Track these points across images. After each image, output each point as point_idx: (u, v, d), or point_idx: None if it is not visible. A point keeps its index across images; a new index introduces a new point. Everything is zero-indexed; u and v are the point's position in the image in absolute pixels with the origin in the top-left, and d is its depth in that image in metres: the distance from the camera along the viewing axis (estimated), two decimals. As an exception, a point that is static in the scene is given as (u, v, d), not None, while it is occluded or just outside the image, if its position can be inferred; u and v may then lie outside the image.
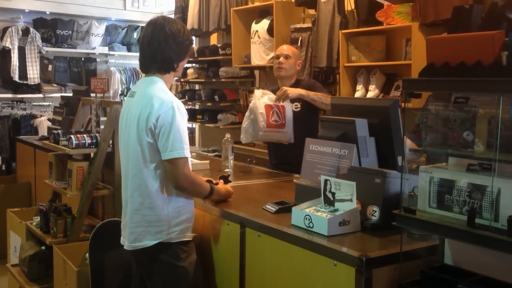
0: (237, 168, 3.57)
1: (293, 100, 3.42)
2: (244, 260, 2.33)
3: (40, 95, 7.21)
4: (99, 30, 7.81)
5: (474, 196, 1.57)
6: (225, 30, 5.89)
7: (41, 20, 7.33)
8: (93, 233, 2.94)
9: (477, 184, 1.57)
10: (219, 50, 5.85)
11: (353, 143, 2.25)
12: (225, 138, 3.38)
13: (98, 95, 3.74)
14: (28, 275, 3.59)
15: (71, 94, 5.45)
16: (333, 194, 2.10)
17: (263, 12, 5.24)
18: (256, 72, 5.78)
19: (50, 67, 7.40)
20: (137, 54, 2.72)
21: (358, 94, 4.26)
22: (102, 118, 3.69)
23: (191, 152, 2.44)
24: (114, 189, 3.42)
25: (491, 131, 1.52)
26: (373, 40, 4.18)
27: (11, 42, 6.85)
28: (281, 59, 3.54)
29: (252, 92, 5.63)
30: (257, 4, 5.38)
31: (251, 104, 3.33)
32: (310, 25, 4.70)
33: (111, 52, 8.02)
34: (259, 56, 5.20)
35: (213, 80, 6.06)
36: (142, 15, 8.05)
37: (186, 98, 6.37)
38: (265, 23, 5.15)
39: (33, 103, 7.06)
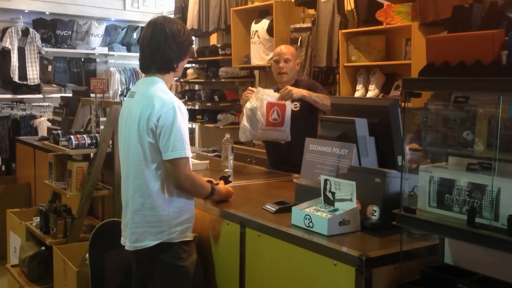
0: (237, 168, 3.57)
1: (293, 100, 3.42)
2: (244, 260, 2.33)
3: (40, 96, 7.21)
4: (98, 30, 7.81)
5: (474, 195, 1.57)
6: (225, 30, 5.89)
7: (41, 21, 7.33)
8: (93, 234, 2.94)
9: (477, 184, 1.57)
10: (219, 50, 5.85)
11: (353, 142, 2.25)
12: (225, 138, 3.37)
13: (98, 95, 3.74)
14: (28, 275, 3.59)
15: (70, 95, 5.45)
16: (333, 193, 2.10)
17: (263, 12, 5.24)
18: (256, 72, 5.78)
19: (49, 68, 7.40)
20: (137, 54, 2.73)
21: (358, 94, 4.26)
22: (102, 119, 3.69)
23: (191, 152, 2.44)
24: (114, 190, 3.42)
25: (491, 131, 1.52)
26: (373, 39, 4.18)
27: (11, 43, 6.85)
28: (282, 63, 3.51)
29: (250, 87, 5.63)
30: (256, 4, 5.38)
31: (249, 104, 3.31)
32: (310, 25, 4.70)
33: (110, 53, 8.02)
34: (259, 56, 5.20)
35: (213, 80, 6.06)
36: (142, 15, 8.05)
37: (186, 98, 6.37)
38: (264, 23, 5.15)
39: (33, 104, 7.06)
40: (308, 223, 2.05)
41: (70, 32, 7.59)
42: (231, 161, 3.38)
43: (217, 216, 2.51)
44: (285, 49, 3.59)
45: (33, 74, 7.03)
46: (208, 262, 2.54)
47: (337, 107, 2.59)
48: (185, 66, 2.69)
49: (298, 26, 4.80)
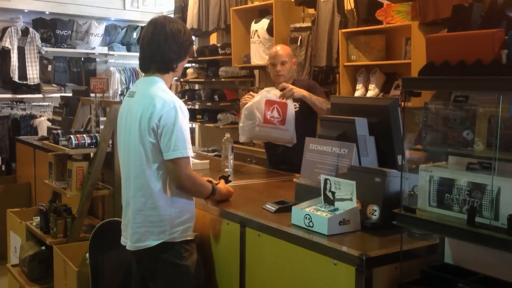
0: (237, 168, 3.57)
1: (293, 100, 3.41)
2: (244, 260, 2.33)
3: (40, 95, 7.21)
4: (98, 30, 7.81)
5: (474, 195, 1.57)
6: (225, 29, 5.89)
7: (41, 20, 7.33)
8: (93, 233, 2.94)
9: (477, 183, 1.57)
10: (219, 49, 5.85)
11: (353, 142, 2.25)
12: (225, 138, 3.37)
13: (98, 95, 3.74)
14: (28, 275, 3.59)
15: (70, 94, 5.45)
16: (333, 193, 2.10)
17: (263, 12, 5.23)
18: (256, 72, 5.77)
19: (49, 67, 7.40)
20: (137, 54, 2.72)
21: (358, 93, 4.26)
22: (102, 118, 3.69)
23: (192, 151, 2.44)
24: (114, 189, 3.42)
25: (491, 130, 1.52)
26: (372, 39, 4.18)
27: (11, 42, 6.85)
28: (278, 67, 3.50)
29: (251, 91, 5.63)
30: (256, 3, 5.38)
31: (248, 104, 3.30)
32: (309, 24, 4.70)
33: (110, 52, 8.02)
34: (259, 55, 5.20)
35: (213, 80, 6.06)
36: (142, 15, 8.05)
37: (186, 98, 6.37)
38: (264, 22, 5.14)
39: (33, 103, 7.06)
40: (308, 223, 2.05)
41: (70, 31, 7.60)
42: (231, 161, 3.38)
43: (217, 216, 2.51)
44: (281, 51, 3.55)
45: (33, 73, 7.03)
46: (208, 261, 2.54)
47: (337, 107, 2.59)
48: (185, 66, 2.69)
49: (298, 26, 4.80)
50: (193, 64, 6.47)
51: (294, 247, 2.04)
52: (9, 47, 6.84)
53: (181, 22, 2.54)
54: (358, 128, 2.26)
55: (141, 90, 2.42)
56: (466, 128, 1.59)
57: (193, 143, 6.78)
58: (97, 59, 8.08)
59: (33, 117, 6.78)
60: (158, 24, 2.40)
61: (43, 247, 3.55)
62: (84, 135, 3.43)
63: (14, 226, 4.01)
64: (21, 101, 7.07)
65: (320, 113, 3.35)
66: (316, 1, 4.52)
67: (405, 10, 3.82)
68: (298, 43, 4.69)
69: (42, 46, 7.14)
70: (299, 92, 3.33)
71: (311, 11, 4.82)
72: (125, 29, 8.11)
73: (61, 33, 7.51)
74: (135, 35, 8.16)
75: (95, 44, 7.88)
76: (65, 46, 7.58)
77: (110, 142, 3.45)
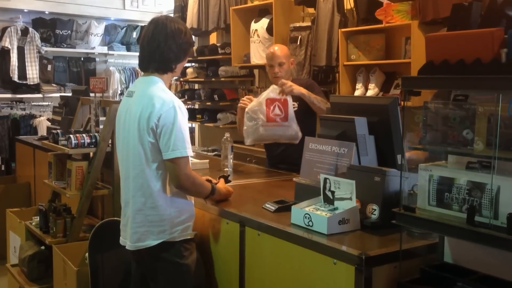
0: (237, 167, 3.57)
1: (292, 99, 3.40)
2: (244, 259, 2.33)
3: (40, 95, 7.22)
4: (98, 29, 7.81)
5: (474, 194, 1.57)
6: (225, 29, 5.89)
7: (40, 20, 7.33)
8: (92, 233, 2.94)
9: (476, 182, 1.56)
10: (219, 49, 5.85)
11: (352, 141, 2.25)
12: (225, 138, 3.37)
13: (97, 94, 3.74)
14: (27, 275, 3.59)
15: (70, 94, 5.45)
16: (333, 192, 2.10)
17: (263, 11, 5.23)
18: (256, 71, 5.77)
19: (49, 67, 7.40)
20: (137, 53, 2.72)
21: (357, 92, 4.26)
22: (101, 118, 3.69)
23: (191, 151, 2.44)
24: (113, 189, 3.42)
25: (491, 129, 1.52)
26: (372, 38, 4.18)
27: (10, 42, 6.85)
28: (276, 68, 3.49)
29: (251, 91, 5.63)
30: (256, 3, 5.38)
31: (248, 106, 3.27)
32: (309, 23, 4.70)
33: (110, 52, 8.02)
34: (259, 55, 5.19)
35: (213, 79, 6.06)
36: (141, 14, 8.05)
37: (186, 98, 6.36)
38: (264, 22, 5.14)
39: (33, 103, 7.06)
40: (308, 222, 2.05)
41: (69, 31, 7.60)
42: (231, 160, 3.37)
43: (216, 215, 2.51)
44: (278, 51, 3.52)
45: (33, 73, 7.03)
46: (208, 261, 2.54)
47: (337, 106, 2.58)
48: (184, 65, 2.69)
49: (297, 25, 4.80)
50: (193, 64, 6.46)
51: (294, 246, 2.04)
52: (9, 47, 6.84)
53: (182, 23, 2.54)
54: (357, 127, 2.25)
55: (140, 89, 2.42)
56: (466, 127, 1.59)
57: (193, 143, 6.78)
58: (97, 59, 8.08)
59: (33, 117, 6.78)
60: (159, 24, 2.40)
61: (43, 247, 3.55)
62: (84, 135, 3.43)
63: (14, 226, 4.01)
64: (21, 101, 7.07)
65: (319, 112, 3.34)
66: (316, 1, 4.52)
67: (405, 10, 3.82)
68: (298, 43, 4.69)
69: (41, 46, 7.14)
70: (298, 89, 3.31)
71: (311, 10, 4.82)
72: (124, 28, 8.11)
73: (61, 33, 7.52)
74: (134, 34, 8.16)
75: (95, 44, 7.88)
76: (65, 46, 7.59)
77: (110, 141, 3.45)
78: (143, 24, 7.98)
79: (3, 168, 6.56)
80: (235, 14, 5.50)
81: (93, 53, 7.97)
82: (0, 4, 6.84)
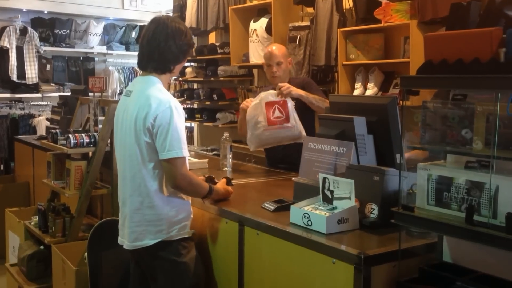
0: (236, 167, 3.57)
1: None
2: (243, 259, 2.33)
3: (38, 95, 7.21)
4: (97, 29, 7.81)
5: (472, 193, 1.57)
6: (224, 28, 5.89)
7: (39, 20, 7.32)
8: (91, 232, 2.94)
9: (475, 181, 1.57)
10: (218, 49, 5.85)
11: (351, 141, 2.25)
12: (224, 137, 3.37)
13: (96, 94, 3.74)
14: (26, 274, 3.59)
15: (69, 94, 5.45)
16: (332, 192, 2.10)
17: (262, 11, 5.23)
18: (255, 71, 5.77)
19: (48, 67, 7.40)
20: (136, 53, 2.71)
21: (356, 92, 4.26)
22: (100, 117, 3.69)
23: (189, 151, 2.44)
24: (112, 188, 3.42)
25: (489, 128, 1.52)
26: (371, 38, 4.18)
27: (9, 42, 6.84)
28: (274, 68, 3.48)
29: (250, 91, 5.64)
30: (255, 2, 5.38)
31: (249, 115, 3.24)
32: (308, 23, 4.70)
33: (109, 51, 8.02)
34: (258, 54, 5.19)
35: (212, 79, 6.06)
36: (140, 14, 8.05)
37: (185, 97, 6.36)
38: (263, 21, 5.14)
39: (31, 103, 7.06)
40: (307, 222, 2.05)
41: (68, 31, 7.59)
42: (230, 160, 3.38)
43: (215, 215, 2.51)
44: (276, 51, 3.52)
45: (32, 73, 7.02)
46: (207, 260, 2.54)
47: (336, 105, 2.59)
48: (183, 65, 2.69)
49: (296, 25, 4.80)
50: (192, 63, 6.46)
51: (293, 245, 2.04)
52: (8, 46, 6.83)
53: (184, 24, 2.53)
54: (356, 126, 2.25)
55: (138, 89, 2.42)
56: (465, 126, 1.59)
57: (192, 142, 6.78)
58: (96, 58, 8.07)
59: (32, 116, 6.77)
60: (160, 23, 2.40)
61: (42, 247, 3.55)
62: (83, 134, 3.43)
63: (13, 225, 4.01)
64: (20, 100, 7.06)
65: (318, 111, 3.33)
66: (315, 0, 4.52)
67: (404, 9, 3.82)
68: (297, 42, 4.69)
69: (40, 45, 7.13)
70: (297, 91, 3.31)
71: (310, 10, 4.82)
72: (123, 28, 8.11)
73: (60, 33, 7.51)
74: (133, 34, 8.16)
75: (94, 44, 7.87)
76: (64, 45, 7.58)
77: (109, 141, 3.45)
78: (142, 24, 7.98)
79: (2, 167, 6.56)
80: (234, 14, 5.50)
81: (92, 53, 7.96)
82: (-1, 3, 6.84)
